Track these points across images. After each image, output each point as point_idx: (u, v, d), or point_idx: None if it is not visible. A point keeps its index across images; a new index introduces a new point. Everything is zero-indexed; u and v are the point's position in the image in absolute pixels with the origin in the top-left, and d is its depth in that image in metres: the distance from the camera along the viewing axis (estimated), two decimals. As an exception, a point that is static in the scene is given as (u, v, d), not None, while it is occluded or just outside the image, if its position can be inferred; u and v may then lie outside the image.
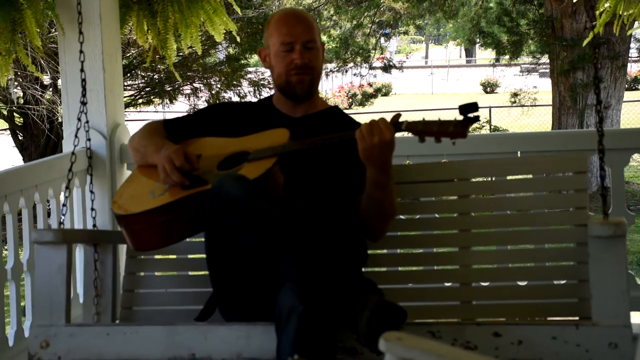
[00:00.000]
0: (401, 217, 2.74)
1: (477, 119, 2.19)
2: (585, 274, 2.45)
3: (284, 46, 2.52)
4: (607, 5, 3.77)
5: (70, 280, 2.49)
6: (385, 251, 2.77)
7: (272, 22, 2.60)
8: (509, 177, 2.72)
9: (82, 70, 3.02)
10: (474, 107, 2.17)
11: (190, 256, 2.83)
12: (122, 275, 2.80)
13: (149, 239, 2.42)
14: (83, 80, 3.01)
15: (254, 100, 11.52)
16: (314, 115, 2.60)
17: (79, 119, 3.01)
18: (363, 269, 2.48)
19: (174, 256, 2.83)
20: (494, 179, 2.75)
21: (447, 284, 2.68)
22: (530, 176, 2.73)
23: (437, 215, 2.77)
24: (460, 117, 2.18)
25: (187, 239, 2.74)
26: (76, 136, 2.97)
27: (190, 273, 2.83)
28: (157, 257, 2.83)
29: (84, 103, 3.01)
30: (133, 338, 2.30)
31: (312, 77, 2.55)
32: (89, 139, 3.04)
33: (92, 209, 2.99)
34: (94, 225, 3.03)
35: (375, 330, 1.98)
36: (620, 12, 3.83)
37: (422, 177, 2.71)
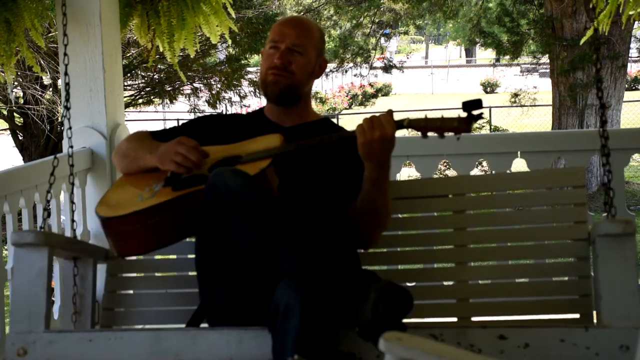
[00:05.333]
0: (397, 232, 2.69)
1: (480, 116, 2.15)
2: (587, 289, 2.41)
3: (271, 43, 2.49)
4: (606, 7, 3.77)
5: (51, 286, 2.37)
6: (379, 267, 2.70)
7: (275, 23, 2.60)
8: (505, 192, 2.67)
9: (65, 73, 2.86)
10: (477, 103, 2.13)
11: (172, 274, 2.77)
12: (102, 292, 2.71)
13: (136, 243, 2.32)
14: (67, 84, 2.84)
15: (255, 100, 11.56)
16: (305, 125, 2.55)
17: (62, 124, 2.91)
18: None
19: (156, 274, 2.77)
20: (489, 193, 2.68)
21: (444, 301, 2.61)
22: (527, 190, 2.67)
23: (431, 231, 2.70)
24: (464, 114, 2.14)
25: (172, 256, 2.71)
26: (62, 138, 2.85)
27: (173, 291, 2.75)
28: (138, 275, 2.78)
29: (67, 108, 2.87)
30: (117, 344, 2.19)
31: (290, 82, 2.47)
32: (71, 146, 2.92)
33: (73, 221, 2.90)
34: (74, 237, 2.95)
35: (381, 316, 1.91)
36: (622, 12, 3.84)
37: (416, 193, 2.66)
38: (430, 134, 2.19)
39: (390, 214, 2.43)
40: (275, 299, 2.07)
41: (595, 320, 2.35)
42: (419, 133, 2.22)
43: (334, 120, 3.50)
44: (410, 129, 2.25)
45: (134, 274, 2.78)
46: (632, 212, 3.62)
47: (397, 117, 2.28)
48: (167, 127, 2.74)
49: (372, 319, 1.91)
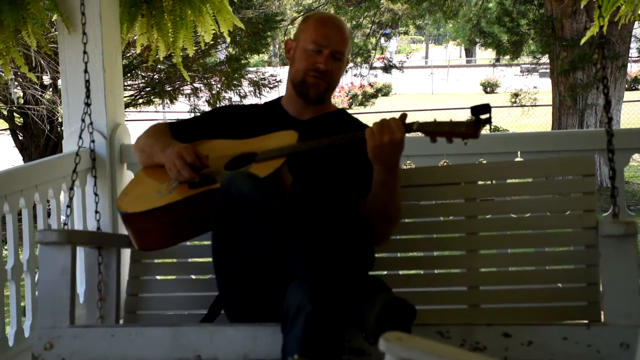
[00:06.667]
0: (407, 220, 2.72)
1: (489, 120, 2.18)
2: (595, 277, 2.44)
3: (314, 45, 2.53)
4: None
5: (75, 282, 2.47)
6: (390, 254, 2.76)
7: (313, 19, 2.62)
8: (515, 180, 2.71)
9: (85, 71, 2.98)
10: (486, 108, 2.16)
11: (194, 260, 2.82)
12: (126, 279, 2.79)
13: (155, 238, 2.40)
14: (87, 81, 2.97)
15: (255, 100, 11.58)
16: (321, 117, 2.61)
17: (82, 120, 2.99)
18: (369, 273, 2.46)
19: (179, 260, 2.82)
20: (500, 181, 2.73)
21: (454, 288, 2.66)
22: (537, 179, 2.70)
23: (443, 219, 2.75)
24: (472, 119, 2.17)
25: (192, 242, 2.75)
26: (80, 137, 2.95)
27: (195, 277, 2.82)
28: (161, 261, 2.83)
29: (88, 104, 2.96)
30: (138, 339, 2.28)
31: (327, 86, 2.56)
32: (92, 141, 3.01)
33: (97, 212, 2.98)
34: (98, 228, 3.02)
35: (384, 327, 1.95)
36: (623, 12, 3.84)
37: (428, 180, 2.70)
38: (438, 138, 2.22)
39: (400, 212, 2.48)
40: (286, 301, 2.12)
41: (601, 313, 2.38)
42: (427, 136, 2.24)
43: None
44: (420, 133, 2.28)
45: (157, 260, 2.83)
46: (632, 212, 3.62)
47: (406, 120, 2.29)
48: (186, 118, 2.78)
49: (376, 329, 1.98)
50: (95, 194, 3.03)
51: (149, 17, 3.68)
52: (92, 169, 3.01)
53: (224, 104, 10.76)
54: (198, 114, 10.55)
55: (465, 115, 2.42)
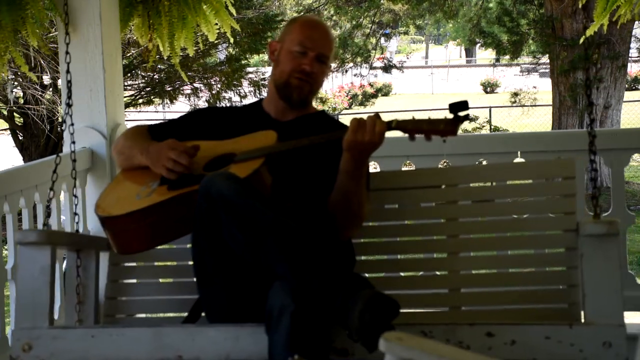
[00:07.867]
0: (389, 222, 2.72)
1: (467, 117, 2.18)
2: (576, 279, 2.44)
3: (300, 47, 2.52)
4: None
5: (54, 283, 2.42)
6: (372, 258, 2.75)
7: (299, 22, 2.62)
8: (496, 183, 2.72)
9: (67, 71, 2.93)
10: (464, 105, 2.16)
11: (173, 263, 2.79)
12: (105, 282, 2.75)
13: (134, 242, 2.36)
14: (68, 81, 2.92)
15: (255, 100, 11.59)
16: (302, 118, 2.60)
17: (64, 121, 2.95)
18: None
19: (157, 263, 2.80)
20: (481, 184, 2.73)
21: (435, 291, 2.66)
22: (518, 182, 2.70)
23: (424, 221, 2.74)
24: (451, 116, 2.17)
25: (170, 245, 2.71)
26: (62, 138, 2.90)
27: (174, 280, 2.79)
28: (140, 264, 2.80)
29: (69, 105, 2.92)
30: (119, 340, 2.24)
31: (310, 88, 2.55)
32: (73, 142, 2.96)
33: (75, 214, 2.94)
34: (77, 230, 2.98)
35: (368, 324, 1.96)
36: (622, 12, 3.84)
37: (410, 183, 2.70)
38: (417, 136, 2.22)
39: (363, 212, 2.45)
40: (269, 301, 2.10)
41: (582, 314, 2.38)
42: (406, 134, 2.24)
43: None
44: (398, 131, 2.27)
45: (136, 263, 2.81)
46: (632, 212, 3.62)
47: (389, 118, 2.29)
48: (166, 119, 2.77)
49: (360, 327, 1.97)
50: (75, 196, 2.98)
51: (145, 17, 3.68)
52: (72, 170, 2.92)
53: (224, 104, 10.77)
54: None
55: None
